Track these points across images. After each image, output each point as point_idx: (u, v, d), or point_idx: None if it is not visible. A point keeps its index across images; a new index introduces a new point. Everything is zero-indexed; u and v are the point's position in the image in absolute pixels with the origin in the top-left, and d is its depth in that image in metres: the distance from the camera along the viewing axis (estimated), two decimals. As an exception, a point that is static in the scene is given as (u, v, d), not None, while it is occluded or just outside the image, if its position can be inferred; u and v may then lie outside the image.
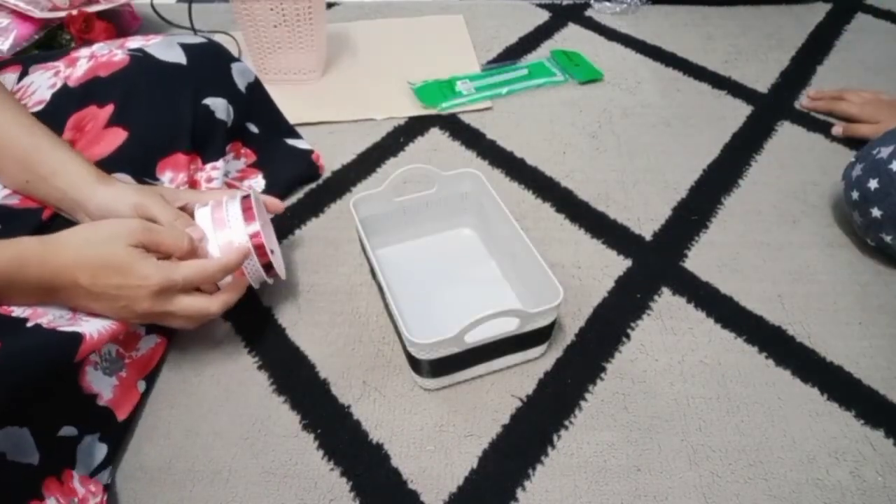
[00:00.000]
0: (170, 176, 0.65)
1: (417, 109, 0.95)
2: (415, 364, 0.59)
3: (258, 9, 0.92)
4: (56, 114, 0.62)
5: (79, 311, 0.53)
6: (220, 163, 0.69)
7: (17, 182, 0.58)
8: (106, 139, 0.62)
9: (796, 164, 0.87)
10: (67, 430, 0.51)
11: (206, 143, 0.69)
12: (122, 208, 0.56)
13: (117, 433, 0.56)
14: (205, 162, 0.68)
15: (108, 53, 0.65)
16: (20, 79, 0.66)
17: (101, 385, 0.55)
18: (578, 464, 0.56)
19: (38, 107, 0.63)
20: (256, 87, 0.75)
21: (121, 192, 0.57)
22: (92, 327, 0.51)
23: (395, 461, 0.56)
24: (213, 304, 0.56)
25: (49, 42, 0.97)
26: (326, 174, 0.84)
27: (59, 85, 0.64)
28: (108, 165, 0.60)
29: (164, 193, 0.59)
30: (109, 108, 0.63)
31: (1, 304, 0.50)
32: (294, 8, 0.92)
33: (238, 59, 0.73)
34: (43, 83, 0.65)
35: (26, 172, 0.57)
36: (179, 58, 0.67)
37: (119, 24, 1.07)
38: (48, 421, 0.50)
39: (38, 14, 0.94)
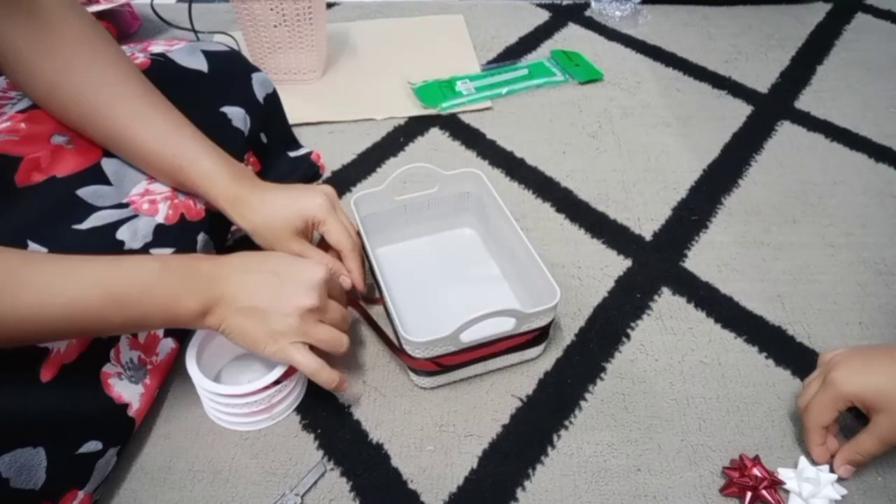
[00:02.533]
0: None
1: (417, 109, 0.95)
2: None
3: (258, 9, 0.92)
4: None
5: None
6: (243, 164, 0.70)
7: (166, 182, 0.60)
8: None
9: (796, 164, 0.87)
10: (91, 446, 0.50)
11: (223, 149, 0.69)
12: (283, 243, 0.59)
13: (128, 443, 0.55)
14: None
15: (130, 56, 0.65)
16: None
17: (131, 395, 0.54)
18: (578, 464, 0.56)
19: None
20: (273, 98, 0.76)
21: (256, 227, 0.58)
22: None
23: (395, 461, 0.56)
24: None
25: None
26: (326, 174, 0.84)
27: None
28: None
29: (297, 227, 0.59)
30: None
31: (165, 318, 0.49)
32: (294, 8, 0.92)
33: (259, 70, 0.73)
34: None
35: (172, 179, 0.59)
36: (201, 65, 0.67)
37: (119, 24, 1.07)
38: (70, 437, 0.49)
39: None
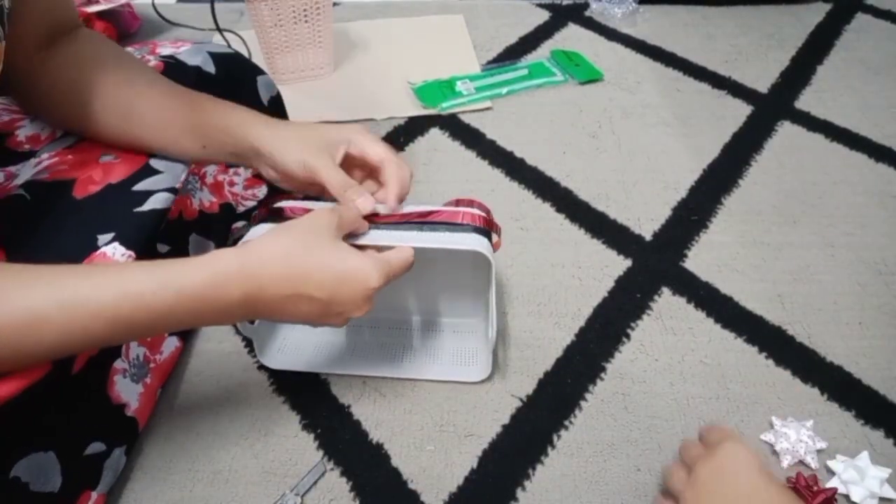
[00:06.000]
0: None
1: (417, 109, 0.96)
2: None
3: (265, 8, 0.92)
4: None
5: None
6: (241, 168, 0.70)
7: (196, 152, 0.58)
8: None
9: (796, 164, 0.87)
10: (95, 447, 0.50)
11: None
12: (292, 163, 0.54)
13: (135, 442, 0.56)
14: (229, 165, 0.69)
15: (142, 58, 0.66)
16: None
17: (129, 394, 0.54)
18: (578, 464, 0.56)
19: None
20: (277, 100, 0.76)
21: (286, 141, 0.55)
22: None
23: (395, 461, 0.56)
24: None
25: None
26: (326, 174, 0.84)
27: None
28: None
29: (329, 140, 0.56)
30: None
31: (194, 325, 0.51)
32: (303, 4, 0.93)
33: (263, 72, 0.74)
34: None
35: (201, 139, 0.57)
36: (208, 66, 0.67)
37: (119, 24, 1.07)
38: (75, 440, 0.49)
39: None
